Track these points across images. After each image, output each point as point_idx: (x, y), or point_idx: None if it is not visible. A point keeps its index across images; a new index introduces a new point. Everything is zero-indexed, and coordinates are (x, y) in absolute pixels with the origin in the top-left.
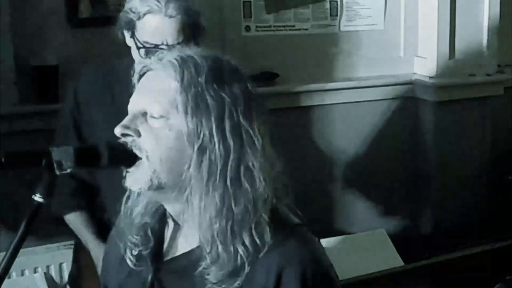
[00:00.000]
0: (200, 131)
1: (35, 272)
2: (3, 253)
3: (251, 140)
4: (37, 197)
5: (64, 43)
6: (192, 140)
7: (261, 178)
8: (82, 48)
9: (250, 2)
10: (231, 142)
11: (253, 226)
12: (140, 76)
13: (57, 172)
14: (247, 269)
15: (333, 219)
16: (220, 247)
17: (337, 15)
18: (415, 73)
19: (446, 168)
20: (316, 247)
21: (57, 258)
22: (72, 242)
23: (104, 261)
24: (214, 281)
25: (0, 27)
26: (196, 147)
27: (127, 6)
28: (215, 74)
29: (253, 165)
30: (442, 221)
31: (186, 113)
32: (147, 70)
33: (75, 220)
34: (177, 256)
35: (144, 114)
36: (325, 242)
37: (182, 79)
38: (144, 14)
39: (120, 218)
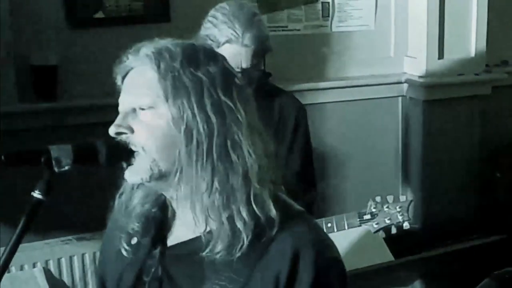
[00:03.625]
0: (183, 114)
1: (34, 266)
2: (2, 248)
3: (233, 115)
4: (37, 194)
5: (63, 44)
6: (178, 123)
7: (250, 151)
8: (80, 48)
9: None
10: (213, 119)
11: (252, 200)
12: (123, 78)
13: (56, 170)
14: (245, 247)
15: (323, 216)
16: (214, 224)
17: (329, 16)
18: (405, 73)
19: (435, 165)
20: (325, 233)
21: (56, 253)
22: (70, 237)
23: (101, 255)
24: (217, 258)
25: (0, 27)
26: (182, 130)
27: (203, 32)
28: (190, 58)
29: (239, 138)
30: (432, 217)
31: (167, 98)
32: (129, 70)
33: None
34: (180, 243)
35: (134, 110)
36: None
37: (158, 68)
38: (223, 43)
39: (114, 213)
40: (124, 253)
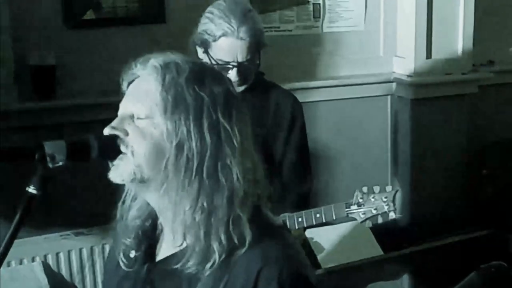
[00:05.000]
0: (178, 129)
1: (33, 261)
2: None
3: (229, 139)
4: (31, 189)
5: (61, 44)
6: (171, 137)
7: (239, 176)
8: (78, 48)
9: None
10: (208, 140)
11: (230, 222)
12: (129, 84)
13: (50, 165)
14: (217, 264)
15: None
16: (190, 239)
17: (320, 17)
18: (394, 72)
19: (424, 162)
20: (295, 249)
21: (54, 247)
22: (68, 232)
23: (104, 268)
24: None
25: (1, 28)
26: (174, 144)
27: (201, 28)
28: (196, 76)
29: (230, 162)
30: (420, 213)
31: (165, 111)
32: (135, 78)
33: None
34: (166, 257)
35: (132, 116)
36: (308, 232)
37: (163, 80)
38: (219, 37)
39: (115, 223)
40: (122, 265)
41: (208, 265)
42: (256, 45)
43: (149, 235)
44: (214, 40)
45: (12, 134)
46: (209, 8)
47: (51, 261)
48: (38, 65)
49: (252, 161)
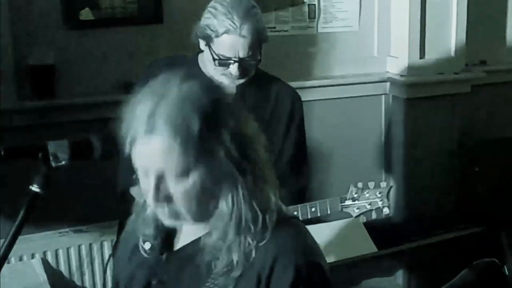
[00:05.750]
0: (209, 173)
1: (32, 257)
2: (2, 240)
3: (253, 168)
4: (35, 188)
5: (60, 44)
6: (206, 179)
7: (270, 194)
8: (77, 48)
9: None
10: (236, 175)
11: (251, 217)
12: (134, 139)
13: (53, 164)
14: (253, 256)
15: None
16: (211, 230)
17: (315, 18)
18: (387, 72)
19: (416, 160)
20: (309, 238)
21: (53, 244)
22: (67, 230)
23: (115, 258)
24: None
25: (0, 28)
26: (208, 183)
27: (203, 22)
28: (209, 124)
29: (262, 180)
30: (414, 210)
31: (195, 165)
32: (143, 135)
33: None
34: (183, 246)
35: (163, 175)
36: None
37: (180, 141)
38: (222, 34)
39: (132, 218)
40: (143, 253)
41: (244, 258)
42: (258, 42)
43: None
44: (217, 36)
45: (11, 133)
46: (212, 3)
47: (50, 257)
48: (37, 64)
49: (271, 177)
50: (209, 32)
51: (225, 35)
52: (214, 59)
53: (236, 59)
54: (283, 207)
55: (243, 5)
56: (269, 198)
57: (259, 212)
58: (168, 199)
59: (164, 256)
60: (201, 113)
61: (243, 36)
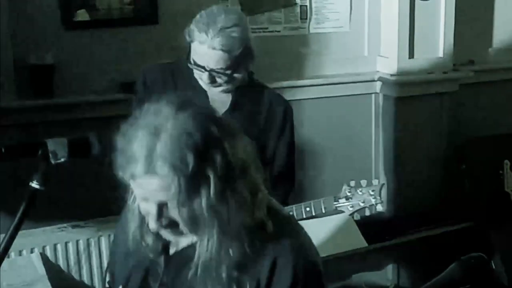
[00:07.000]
0: (206, 201)
1: (32, 252)
2: (3, 235)
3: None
4: (34, 184)
5: (59, 44)
6: (201, 209)
7: (263, 202)
8: (75, 48)
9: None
10: (231, 202)
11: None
12: (134, 175)
13: (52, 161)
14: (251, 257)
15: None
16: (210, 233)
17: (306, 18)
18: (378, 71)
19: (406, 157)
20: (306, 237)
21: (52, 239)
22: (65, 225)
23: (111, 252)
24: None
25: (1, 29)
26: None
27: (190, 25)
28: (203, 157)
29: (255, 199)
30: (403, 206)
31: (194, 192)
32: (142, 174)
33: None
34: (182, 249)
35: (165, 203)
36: None
37: (178, 177)
38: (195, 41)
39: (123, 215)
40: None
41: (224, 255)
42: (233, 58)
43: None
44: (192, 42)
45: (11, 131)
46: (203, 11)
47: (49, 252)
48: (36, 64)
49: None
50: (188, 36)
51: (197, 43)
52: (189, 63)
53: (207, 69)
54: (280, 208)
55: (225, 19)
56: (262, 206)
57: (254, 216)
58: (172, 223)
59: (162, 258)
60: (195, 150)
61: (214, 48)
